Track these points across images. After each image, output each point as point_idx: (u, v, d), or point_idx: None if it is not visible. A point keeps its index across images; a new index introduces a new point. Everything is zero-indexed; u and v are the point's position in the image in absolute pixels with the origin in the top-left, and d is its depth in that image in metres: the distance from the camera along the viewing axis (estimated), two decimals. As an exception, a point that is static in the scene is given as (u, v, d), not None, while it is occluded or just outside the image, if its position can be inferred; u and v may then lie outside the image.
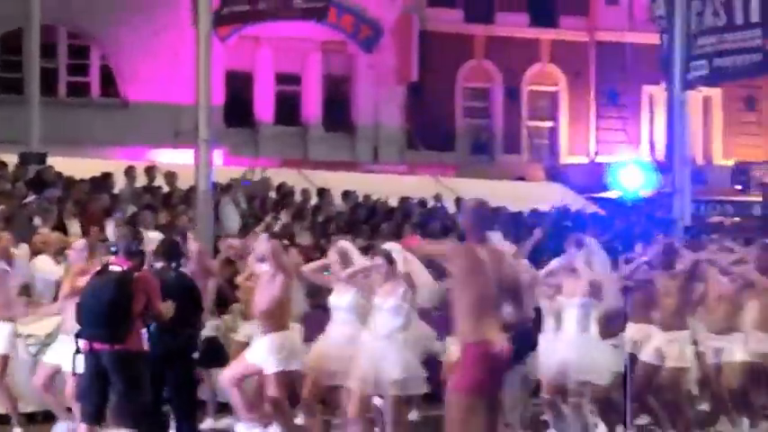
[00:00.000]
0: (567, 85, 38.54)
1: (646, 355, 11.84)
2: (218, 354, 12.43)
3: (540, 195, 25.81)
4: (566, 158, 38.18)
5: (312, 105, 34.24)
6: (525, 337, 9.96)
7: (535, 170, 36.57)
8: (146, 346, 10.05)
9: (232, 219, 18.00)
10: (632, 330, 12.19)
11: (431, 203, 22.99)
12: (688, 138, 29.08)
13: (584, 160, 38.05)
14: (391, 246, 11.13)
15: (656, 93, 36.44)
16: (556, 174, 35.46)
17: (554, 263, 11.86)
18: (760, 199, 36.18)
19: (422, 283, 10.97)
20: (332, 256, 11.48)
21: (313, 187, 21.95)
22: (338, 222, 19.41)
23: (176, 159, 22.75)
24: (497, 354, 8.30)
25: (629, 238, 20.47)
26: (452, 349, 10.83)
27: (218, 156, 22.49)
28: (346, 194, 21.81)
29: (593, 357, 11.13)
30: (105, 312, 9.70)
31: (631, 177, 28.41)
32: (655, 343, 11.78)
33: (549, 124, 38.70)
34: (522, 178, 33.19)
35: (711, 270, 12.56)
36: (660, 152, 35.80)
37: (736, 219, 35.98)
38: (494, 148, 37.95)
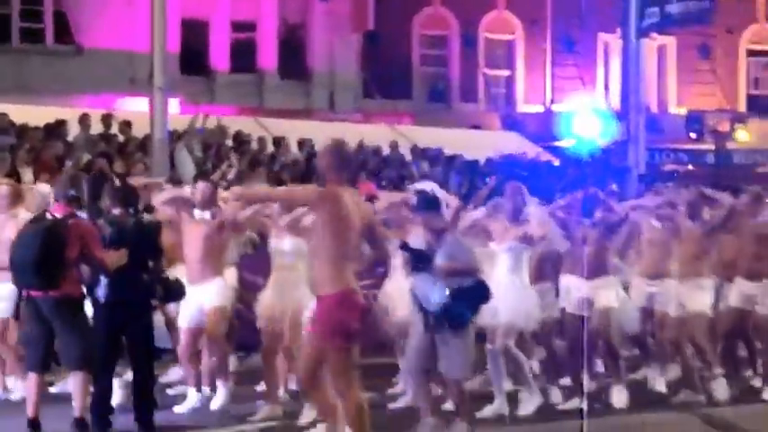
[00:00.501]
0: (524, 32, 38.55)
1: (571, 306, 11.93)
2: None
3: (495, 144, 25.93)
4: (522, 107, 38.24)
5: (268, 53, 34.07)
6: (479, 290, 9.94)
7: (491, 118, 36.63)
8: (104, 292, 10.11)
9: (187, 166, 17.99)
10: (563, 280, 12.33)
11: (386, 151, 23.04)
12: (643, 86, 29.24)
13: (539, 109, 38.15)
14: None
15: (611, 41, 36.55)
16: (512, 122, 35.55)
17: (480, 210, 11.99)
18: (713, 147, 36.44)
19: None
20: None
21: (269, 135, 21.95)
22: (294, 170, 19.43)
23: (132, 107, 22.67)
24: (360, 301, 8.45)
25: (584, 187, 20.61)
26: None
27: (173, 104, 22.41)
28: (302, 143, 21.82)
29: (522, 303, 11.14)
30: (37, 260, 9.73)
31: (587, 126, 28.48)
32: (581, 293, 11.75)
33: (505, 72, 38.72)
34: (478, 126, 33.25)
35: (644, 215, 12.71)
36: (615, 101, 35.91)
37: (690, 167, 36.23)
38: (450, 96, 37.96)
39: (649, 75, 36.18)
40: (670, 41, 38.91)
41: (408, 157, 23.07)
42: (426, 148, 23.74)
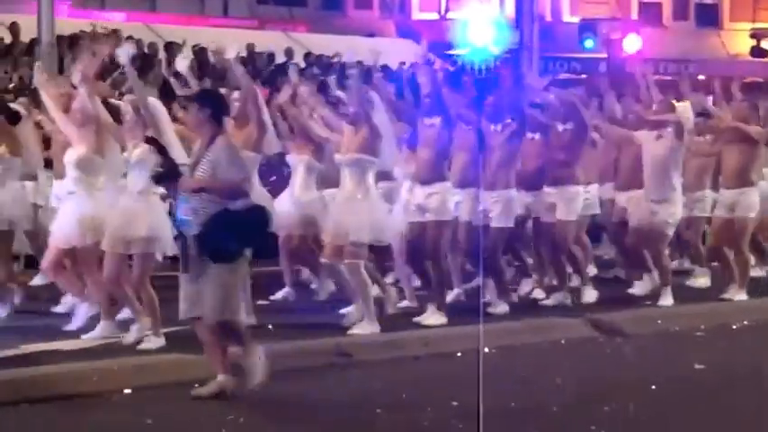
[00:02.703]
0: (420, -61, 38.38)
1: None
2: None
3: (390, 51, 25.83)
4: (417, 14, 38.14)
5: (160, -43, 33.48)
6: (250, 216, 8.42)
7: (386, 26, 36.50)
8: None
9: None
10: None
11: (281, 59, 22.86)
12: (536, -6, 29.34)
13: (434, 16, 38.07)
14: None
15: (506, -51, 36.52)
16: (407, 30, 35.46)
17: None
18: (606, 56, 36.74)
19: None
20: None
21: (161, 41, 21.63)
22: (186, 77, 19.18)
23: (18, 10, 22.14)
24: None
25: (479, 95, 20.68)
26: None
27: (62, 8, 21.95)
28: (198, 49, 21.54)
29: (371, 217, 10.55)
30: None
31: (481, 34, 28.51)
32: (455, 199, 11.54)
33: (401, -20, 38.56)
34: (372, 34, 33.10)
35: None
36: (510, 9, 35.96)
37: (584, 75, 36.52)
38: (345, 3, 37.70)
39: (543, -17, 36.30)
40: (565, -50, 39.04)
41: (303, 64, 22.91)
42: (321, 55, 23.59)
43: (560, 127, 12.24)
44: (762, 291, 13.33)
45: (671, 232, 12.64)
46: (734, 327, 11.98)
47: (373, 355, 9.99)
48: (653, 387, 8.97)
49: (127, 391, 8.60)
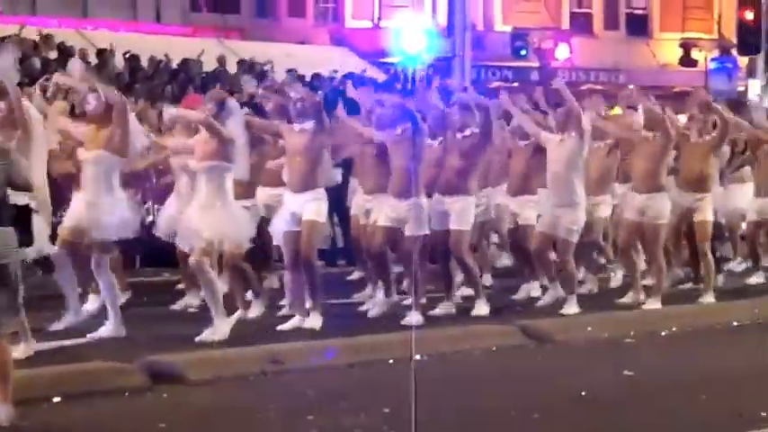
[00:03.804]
0: (352, -53, 38.46)
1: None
2: None
3: (323, 59, 25.89)
4: (350, 22, 38.21)
5: (93, -37, 33.29)
6: None
7: (320, 34, 36.54)
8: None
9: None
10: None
11: (213, 66, 22.84)
12: (468, 3, 29.54)
13: (368, 24, 38.17)
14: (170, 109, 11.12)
15: (439, -42, 36.67)
16: (340, 38, 35.53)
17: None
18: (537, 65, 37.04)
19: None
20: None
21: (93, 48, 21.53)
22: (119, 84, 19.11)
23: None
24: None
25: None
26: None
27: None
28: (128, 55, 21.48)
29: (225, 223, 10.46)
30: None
31: (413, 42, 28.66)
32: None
33: (334, -13, 38.64)
34: (306, 42, 33.13)
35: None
36: (442, 18, 36.13)
37: (515, 84, 36.78)
38: (278, 11, 37.69)
39: (475, -8, 36.52)
40: (496, -40, 39.30)
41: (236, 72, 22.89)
42: (254, 62, 23.58)
43: (459, 134, 12.17)
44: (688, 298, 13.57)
45: (575, 239, 12.54)
46: (662, 333, 12.11)
47: (306, 363, 10.00)
48: (582, 393, 9.06)
49: None
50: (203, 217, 10.39)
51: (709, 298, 13.31)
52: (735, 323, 12.80)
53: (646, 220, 12.84)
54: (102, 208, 10.29)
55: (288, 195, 11.20)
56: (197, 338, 10.31)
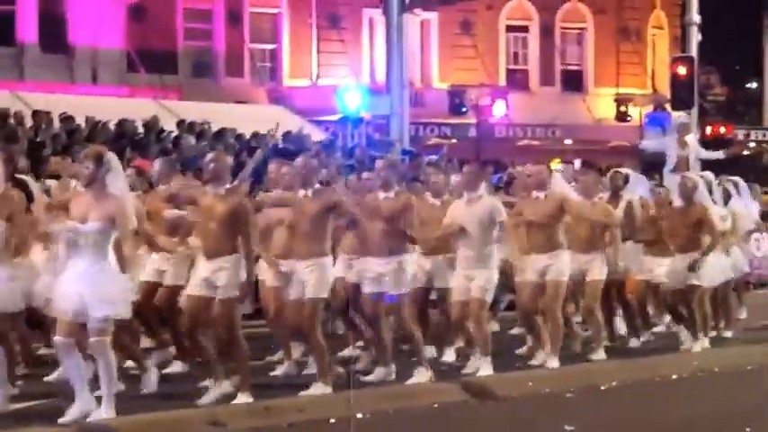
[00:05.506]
0: (289, 7, 38.65)
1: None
2: None
3: (261, 118, 25.89)
4: (288, 81, 38.37)
5: (28, 25, 33.22)
6: None
7: (257, 93, 36.65)
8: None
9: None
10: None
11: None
12: (406, 61, 29.76)
13: (306, 83, 38.34)
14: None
15: (375, 16, 36.96)
16: (279, 96, 35.65)
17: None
18: (475, 121, 37.34)
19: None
20: None
21: (29, 110, 21.43)
22: (55, 145, 19.04)
23: None
24: None
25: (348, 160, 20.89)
26: None
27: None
28: (64, 117, 21.39)
29: (110, 290, 9.62)
30: None
31: (351, 100, 28.85)
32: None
33: (271, 47, 38.78)
34: (244, 101, 33.21)
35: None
36: (380, 75, 36.39)
37: (454, 140, 37.04)
38: (216, 70, 37.80)
39: (413, 50, 36.81)
40: (433, 17, 39.66)
41: (175, 131, 22.84)
42: (193, 122, 23.55)
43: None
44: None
45: (489, 299, 12.29)
46: (602, 388, 12.16)
47: (248, 423, 9.93)
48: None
49: None
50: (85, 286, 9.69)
51: (600, 355, 13.28)
52: (674, 376, 12.89)
53: (548, 279, 12.74)
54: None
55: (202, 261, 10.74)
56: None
